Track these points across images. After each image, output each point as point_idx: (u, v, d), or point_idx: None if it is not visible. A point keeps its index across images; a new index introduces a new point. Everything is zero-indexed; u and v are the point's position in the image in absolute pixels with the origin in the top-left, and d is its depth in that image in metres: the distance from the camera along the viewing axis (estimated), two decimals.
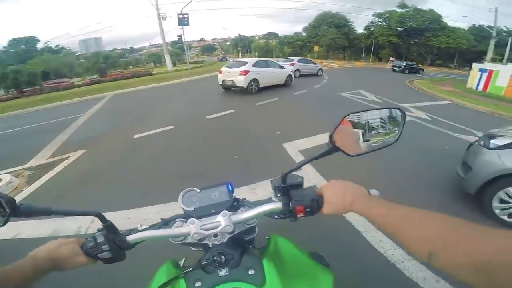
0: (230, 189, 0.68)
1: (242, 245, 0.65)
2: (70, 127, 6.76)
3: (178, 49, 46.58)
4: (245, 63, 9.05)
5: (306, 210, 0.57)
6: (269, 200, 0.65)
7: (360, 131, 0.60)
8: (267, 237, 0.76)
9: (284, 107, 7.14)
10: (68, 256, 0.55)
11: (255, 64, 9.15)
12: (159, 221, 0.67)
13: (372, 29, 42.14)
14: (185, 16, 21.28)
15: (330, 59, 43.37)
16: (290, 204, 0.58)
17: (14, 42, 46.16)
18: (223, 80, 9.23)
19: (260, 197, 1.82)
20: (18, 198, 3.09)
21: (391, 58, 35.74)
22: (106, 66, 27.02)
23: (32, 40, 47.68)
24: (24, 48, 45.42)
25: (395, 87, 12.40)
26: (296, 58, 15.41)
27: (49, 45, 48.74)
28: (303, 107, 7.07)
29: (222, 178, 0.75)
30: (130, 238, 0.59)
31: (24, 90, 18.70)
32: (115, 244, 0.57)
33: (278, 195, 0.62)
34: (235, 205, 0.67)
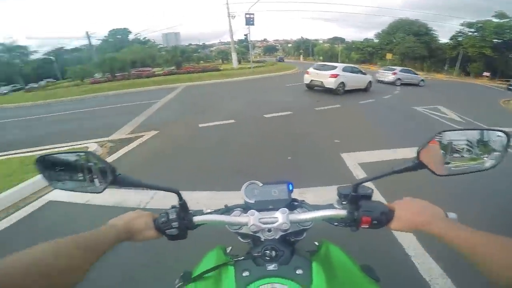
0: (290, 188, 0.70)
1: (291, 244, 0.66)
2: (147, 111, 7.81)
3: (244, 47, 48.42)
4: (334, 67, 10.07)
5: (372, 222, 0.57)
6: (330, 206, 0.64)
7: (442, 152, 0.56)
8: (316, 243, 0.76)
9: (346, 115, 6.78)
10: (141, 228, 0.58)
11: (344, 69, 10.18)
12: (222, 207, 0.71)
13: (460, 39, 36.43)
14: (251, 16, 21.98)
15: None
16: (356, 214, 0.58)
17: (113, 33, 55.12)
18: (311, 80, 10.28)
19: (309, 202, 1.73)
20: None
21: (485, 73, 30.25)
22: (182, 59, 30.07)
23: (126, 32, 56.20)
24: (120, 38, 53.80)
25: (484, 107, 10.39)
26: (398, 68, 15.93)
27: (138, 37, 56.65)
28: (369, 118, 6.59)
29: (273, 177, 0.79)
30: (196, 219, 0.63)
31: (116, 75, 22.36)
32: (183, 223, 0.61)
33: (344, 202, 0.62)
34: (293, 204, 0.69)
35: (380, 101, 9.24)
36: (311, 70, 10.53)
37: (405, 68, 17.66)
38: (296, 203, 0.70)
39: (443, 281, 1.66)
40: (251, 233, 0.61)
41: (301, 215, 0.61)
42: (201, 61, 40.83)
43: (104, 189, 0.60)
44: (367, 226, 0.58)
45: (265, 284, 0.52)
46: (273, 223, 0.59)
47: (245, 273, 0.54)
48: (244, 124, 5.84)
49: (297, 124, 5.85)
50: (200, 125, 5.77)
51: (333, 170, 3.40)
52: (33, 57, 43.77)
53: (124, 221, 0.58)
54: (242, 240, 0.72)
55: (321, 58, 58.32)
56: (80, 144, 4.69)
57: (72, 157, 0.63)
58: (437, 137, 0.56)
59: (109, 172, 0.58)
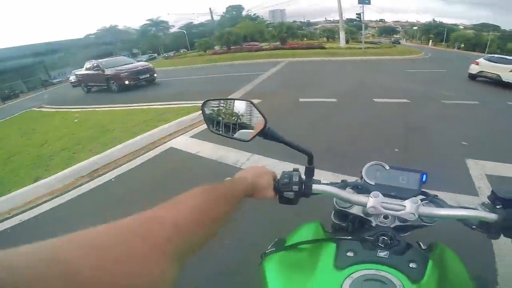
0: (424, 179, 0.61)
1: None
2: (254, 82, 8.32)
3: (354, 27, 43.75)
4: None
5: None
6: (472, 207, 0.56)
7: None
8: (419, 242, 0.70)
9: (484, 117, 4.97)
10: (263, 186, 0.57)
11: None
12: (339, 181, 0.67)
13: None
14: None
15: None
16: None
17: (229, 9, 60.57)
18: (481, 71, 9.29)
19: None
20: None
21: None
22: (286, 35, 30.15)
23: (239, 8, 60.73)
24: (234, 14, 58.67)
25: None
26: None
27: (249, 13, 60.18)
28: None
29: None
30: (315, 187, 0.61)
31: (231, 47, 24.88)
32: (302, 188, 0.60)
33: (498, 206, 0.53)
34: (421, 198, 0.60)
35: None
36: (482, 60, 9.47)
37: None
38: (427, 197, 0.62)
39: None
40: (363, 215, 0.59)
41: (434, 210, 0.55)
42: (305, 38, 39.67)
43: (252, 138, 0.62)
44: None
45: (371, 270, 0.49)
46: (397, 210, 0.54)
47: (350, 253, 0.52)
48: (347, 105, 5.34)
49: (414, 116, 4.71)
50: (301, 100, 5.69)
51: (450, 176, 2.57)
52: (171, 30, 53.99)
53: (252, 175, 0.57)
54: (335, 220, 0.70)
55: (462, 45, 45.44)
56: (198, 103, 5.48)
57: (233, 104, 0.67)
58: None
59: (261, 123, 0.60)
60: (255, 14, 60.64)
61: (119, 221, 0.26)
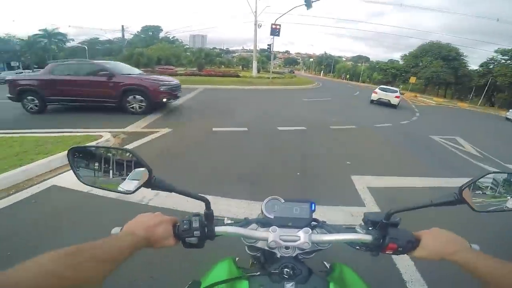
0: (313, 208, 0.68)
1: (304, 264, 0.65)
2: (164, 109, 7.99)
3: (265, 57, 49.01)
4: (395, 90, 15.05)
5: (398, 249, 0.60)
6: (352, 230, 0.67)
7: (483, 190, 0.61)
8: (324, 262, 0.78)
9: (361, 138, 6.74)
10: (161, 236, 0.56)
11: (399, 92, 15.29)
12: (242, 219, 0.71)
13: (491, 67, 35.10)
14: (278, 26, 21.80)
15: (427, 94, 38.26)
16: (382, 240, 0.60)
17: (145, 29, 57.79)
18: (379, 98, 14.62)
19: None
20: None
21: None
22: (204, 62, 30.98)
23: (157, 29, 58.83)
24: (151, 34, 56.27)
25: (509, 142, 9.85)
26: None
27: (168, 35, 58.95)
28: (382, 142, 6.53)
29: (280, 191, 0.82)
30: (218, 229, 0.62)
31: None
32: (204, 232, 0.60)
33: (370, 228, 0.64)
34: (313, 225, 0.68)
35: (397, 127, 9.13)
36: (378, 91, 14.91)
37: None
38: (316, 223, 0.69)
39: None
40: (267, 248, 0.62)
41: (324, 237, 0.63)
42: (223, 66, 41.70)
43: (136, 190, 0.59)
44: (391, 252, 0.61)
45: None
46: (294, 241, 0.60)
47: None
48: (257, 134, 5.96)
49: (310, 141, 5.88)
50: (214, 129, 5.95)
51: (340, 192, 3.40)
52: (69, 44, 46.56)
53: (144, 227, 0.55)
54: (250, 252, 0.73)
55: (348, 76, 58.35)
56: (95, 132, 4.94)
57: (107, 152, 0.62)
58: (485, 177, 0.60)
59: (145, 173, 0.57)
60: (174, 37, 59.94)
61: None
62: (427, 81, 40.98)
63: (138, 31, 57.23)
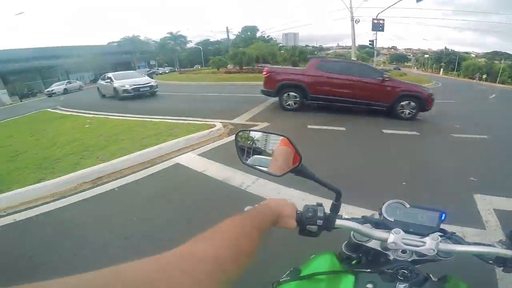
0: (442, 218, 0.63)
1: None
2: (261, 105, 8.27)
3: (365, 53, 44.71)
4: None
5: None
6: (489, 244, 0.61)
7: None
8: (429, 274, 0.68)
9: (494, 151, 4.90)
10: (286, 215, 0.57)
11: None
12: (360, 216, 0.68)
13: None
14: (381, 21, 20.47)
15: None
16: None
17: (245, 30, 62.86)
18: None
19: None
20: (221, 142, 4.33)
21: None
22: (298, 59, 30.94)
23: (254, 29, 62.82)
24: (249, 35, 60.79)
25: None
26: None
27: (263, 35, 62.25)
28: None
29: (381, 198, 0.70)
30: (338, 222, 0.62)
31: (243, 67, 25.58)
32: (326, 222, 0.61)
33: None
34: (439, 235, 0.61)
35: None
36: None
37: None
38: (443, 234, 0.64)
39: None
40: (380, 248, 0.61)
41: (454, 246, 0.58)
42: None
43: (284, 174, 0.63)
44: None
45: None
46: (417, 246, 0.57)
47: (369, 285, 0.53)
48: (355, 135, 5.30)
49: (423, 150, 4.72)
50: (309, 126, 5.69)
51: (457, 213, 2.48)
52: (189, 45, 56.13)
53: (274, 205, 0.57)
54: (346, 251, 0.71)
55: (484, 75, 45.14)
56: (210, 122, 5.52)
57: (267, 137, 0.68)
58: None
59: (295, 159, 0.62)
60: (268, 36, 62.75)
61: (161, 256, 0.27)
62: None
63: (239, 32, 62.80)
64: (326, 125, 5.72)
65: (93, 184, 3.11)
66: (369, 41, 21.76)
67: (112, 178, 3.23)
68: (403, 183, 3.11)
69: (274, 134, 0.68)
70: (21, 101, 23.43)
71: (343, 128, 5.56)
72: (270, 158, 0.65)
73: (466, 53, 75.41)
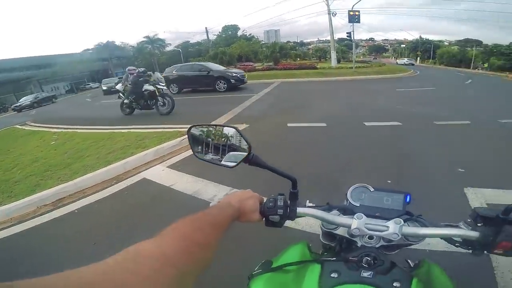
0: (407, 200, 0.63)
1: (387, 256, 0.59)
2: (244, 104, 8.23)
3: (345, 46, 45.23)
4: None
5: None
6: (453, 226, 0.59)
7: None
8: (407, 260, 0.74)
9: (480, 138, 4.92)
10: (250, 209, 0.58)
11: None
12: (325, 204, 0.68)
13: None
14: (356, 13, 20.69)
15: None
16: (493, 238, 0.53)
17: (225, 29, 62.09)
18: None
19: None
20: None
21: None
22: (280, 55, 30.97)
23: (235, 28, 62.14)
24: (230, 34, 60.14)
25: None
26: None
27: (245, 33, 61.66)
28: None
29: None
30: (300, 210, 0.63)
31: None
32: (286, 211, 0.61)
33: (479, 224, 0.56)
34: (406, 218, 0.61)
35: None
36: None
37: None
38: (410, 217, 0.62)
39: None
40: (348, 236, 0.61)
41: (417, 230, 0.57)
42: (298, 58, 40.77)
43: (237, 165, 0.64)
44: (501, 251, 0.55)
45: None
46: (380, 231, 0.56)
47: (334, 274, 0.53)
48: (338, 131, 5.19)
49: (407, 141, 4.66)
50: (289, 124, 5.55)
51: (448, 209, 2.44)
52: (169, 48, 54.80)
53: (238, 199, 0.58)
54: (323, 240, 0.70)
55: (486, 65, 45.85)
56: (180, 128, 5.24)
57: (218, 130, 0.70)
58: None
59: (245, 150, 0.64)
60: (250, 34, 62.27)
61: (107, 259, 0.27)
62: None
63: (219, 32, 61.97)
64: None
65: (54, 206, 2.94)
66: (347, 33, 21.93)
67: (74, 199, 3.04)
68: (388, 181, 3.02)
69: (224, 126, 0.70)
70: None
71: None
72: (245, 153, 0.63)
73: (440, 41, 77.97)
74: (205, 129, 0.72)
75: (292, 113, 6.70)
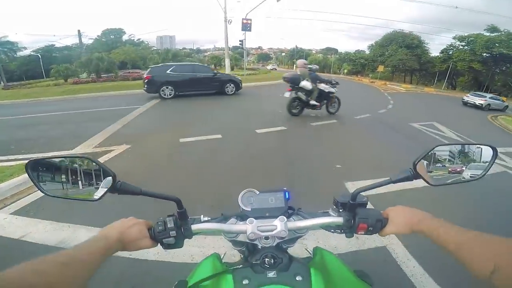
0: (287, 196, 0.69)
1: (286, 252, 0.64)
2: (124, 118, 7.03)
3: (238, 54, 48.36)
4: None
5: (368, 228, 0.60)
6: (326, 214, 0.67)
7: (424, 162, 0.61)
8: (307, 249, 0.82)
9: (345, 134, 6.24)
10: (135, 238, 0.55)
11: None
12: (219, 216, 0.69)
13: (450, 53, 37.20)
14: (249, 21, 21.55)
15: (395, 81, 39.74)
16: (353, 221, 0.61)
17: (106, 32, 53.72)
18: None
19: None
20: None
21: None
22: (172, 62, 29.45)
23: (120, 32, 54.67)
24: (113, 38, 52.49)
25: (476, 123, 10.84)
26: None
27: (132, 38, 55.33)
28: (367, 137, 6.05)
29: None
30: (194, 227, 0.62)
31: (102, 76, 21.41)
32: (181, 231, 0.60)
33: (341, 210, 0.64)
34: (289, 212, 0.68)
35: (376, 117, 8.88)
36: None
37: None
38: (292, 211, 0.69)
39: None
40: (248, 241, 0.62)
41: (299, 223, 0.63)
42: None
43: (102, 196, 0.58)
44: (363, 233, 0.61)
45: None
46: (271, 230, 0.59)
47: (245, 281, 0.54)
48: (233, 141, 5.23)
49: (292, 143, 5.33)
50: (181, 140, 5.12)
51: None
52: (22, 53, 42.06)
53: (116, 230, 0.54)
54: (235, 247, 0.71)
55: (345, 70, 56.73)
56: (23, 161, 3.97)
57: (66, 162, 0.61)
58: (434, 150, 0.62)
59: (108, 178, 0.57)
60: (139, 39, 56.33)
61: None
62: (394, 69, 42.68)
63: (98, 35, 53.09)
64: None
65: None
66: (239, 41, 23.01)
67: None
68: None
69: (73, 156, 0.62)
70: None
71: None
72: (110, 183, 0.57)
73: (310, 50, 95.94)
74: (52, 162, 0.60)
75: (183, 128, 6.40)
